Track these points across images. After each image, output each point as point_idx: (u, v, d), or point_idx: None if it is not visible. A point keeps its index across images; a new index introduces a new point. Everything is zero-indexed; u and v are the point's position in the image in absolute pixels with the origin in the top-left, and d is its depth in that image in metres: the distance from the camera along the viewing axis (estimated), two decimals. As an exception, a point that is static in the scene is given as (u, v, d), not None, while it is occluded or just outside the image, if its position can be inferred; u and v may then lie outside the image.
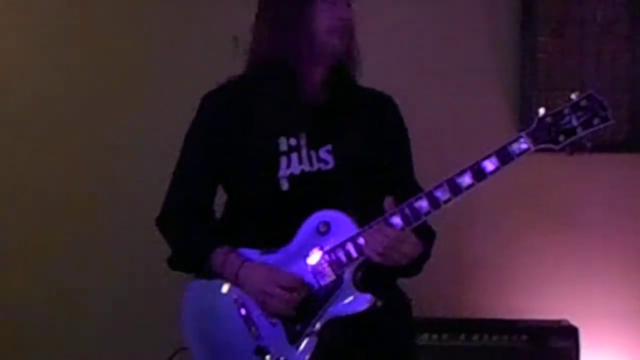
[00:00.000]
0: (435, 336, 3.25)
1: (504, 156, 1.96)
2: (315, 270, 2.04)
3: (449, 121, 3.47)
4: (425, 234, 2.04)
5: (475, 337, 3.28)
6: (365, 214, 2.03)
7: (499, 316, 3.44)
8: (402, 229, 1.97)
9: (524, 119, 3.48)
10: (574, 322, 3.31)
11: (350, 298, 2.02)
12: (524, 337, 3.26)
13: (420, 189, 2.10)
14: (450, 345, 3.27)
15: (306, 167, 2.08)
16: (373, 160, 2.14)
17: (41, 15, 3.51)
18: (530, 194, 3.48)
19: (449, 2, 3.59)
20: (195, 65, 3.40)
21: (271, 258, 2.06)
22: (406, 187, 2.14)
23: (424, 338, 3.22)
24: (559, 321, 3.37)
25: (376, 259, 1.95)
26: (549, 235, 3.60)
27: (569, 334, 3.28)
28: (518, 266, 3.65)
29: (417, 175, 2.23)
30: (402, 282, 2.15)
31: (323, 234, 2.04)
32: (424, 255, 2.04)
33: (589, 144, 1.99)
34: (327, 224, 2.04)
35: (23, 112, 3.54)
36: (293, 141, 2.09)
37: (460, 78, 3.56)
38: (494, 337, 3.28)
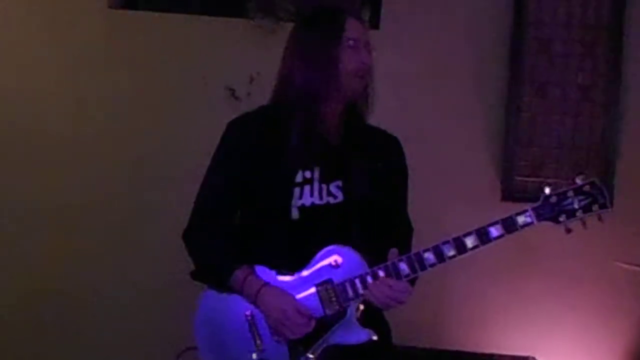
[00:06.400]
0: (415, 364, 3.40)
1: (509, 225, 2.06)
2: (324, 299, 2.12)
3: (438, 166, 3.63)
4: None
5: (452, 367, 3.44)
6: (368, 248, 2.13)
7: (475, 350, 3.60)
8: (407, 275, 2.08)
9: (505, 171, 3.64)
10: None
11: (352, 330, 2.12)
12: (496, 370, 3.45)
13: (410, 224, 2.27)
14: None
15: (316, 200, 2.17)
16: (376, 199, 2.21)
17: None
18: (509, 247, 3.50)
19: (445, 62, 3.75)
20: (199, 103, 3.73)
21: (287, 283, 2.15)
22: (399, 222, 2.29)
23: (405, 365, 3.34)
24: (526, 357, 3.56)
25: (380, 306, 2.09)
26: (523, 280, 3.73)
27: (535, 369, 3.45)
28: (494, 306, 3.78)
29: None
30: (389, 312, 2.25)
31: (335, 267, 2.13)
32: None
33: (587, 224, 2.06)
34: (340, 259, 2.13)
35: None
36: (308, 174, 2.17)
37: (450, 129, 3.73)
38: (469, 369, 3.44)
